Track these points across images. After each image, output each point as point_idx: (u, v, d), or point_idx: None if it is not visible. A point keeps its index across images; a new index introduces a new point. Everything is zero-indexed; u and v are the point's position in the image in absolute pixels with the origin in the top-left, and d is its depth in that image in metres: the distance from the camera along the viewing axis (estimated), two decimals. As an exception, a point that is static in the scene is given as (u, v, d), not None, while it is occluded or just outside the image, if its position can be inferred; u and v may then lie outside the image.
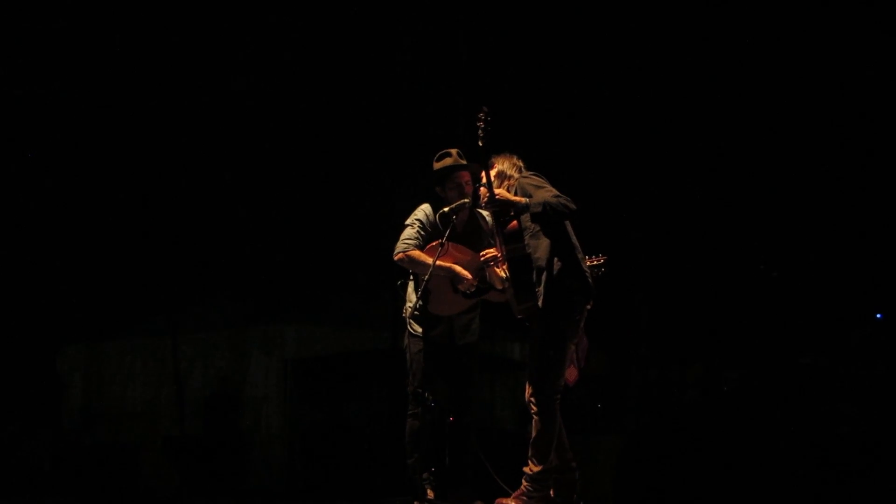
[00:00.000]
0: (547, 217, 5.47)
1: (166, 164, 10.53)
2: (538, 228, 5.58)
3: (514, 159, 5.84)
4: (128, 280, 11.23)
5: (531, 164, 5.87)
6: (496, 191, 5.59)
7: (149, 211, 10.87)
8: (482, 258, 5.87)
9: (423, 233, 6.08)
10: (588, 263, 5.87)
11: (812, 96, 9.18)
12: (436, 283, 5.83)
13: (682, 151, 9.69)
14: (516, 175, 5.76)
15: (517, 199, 5.55)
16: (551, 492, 5.59)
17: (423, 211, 6.18)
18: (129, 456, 10.02)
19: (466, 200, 5.81)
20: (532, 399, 5.59)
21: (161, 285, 10.94)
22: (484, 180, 5.62)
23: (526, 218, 5.56)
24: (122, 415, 11.21)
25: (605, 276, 5.96)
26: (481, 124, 5.57)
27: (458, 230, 5.88)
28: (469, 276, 5.89)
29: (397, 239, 6.13)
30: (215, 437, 10.32)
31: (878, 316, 8.55)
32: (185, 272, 10.82)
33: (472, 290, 5.94)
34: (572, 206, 5.46)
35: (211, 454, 10.08)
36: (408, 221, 6.17)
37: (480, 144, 5.57)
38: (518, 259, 5.52)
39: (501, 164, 5.80)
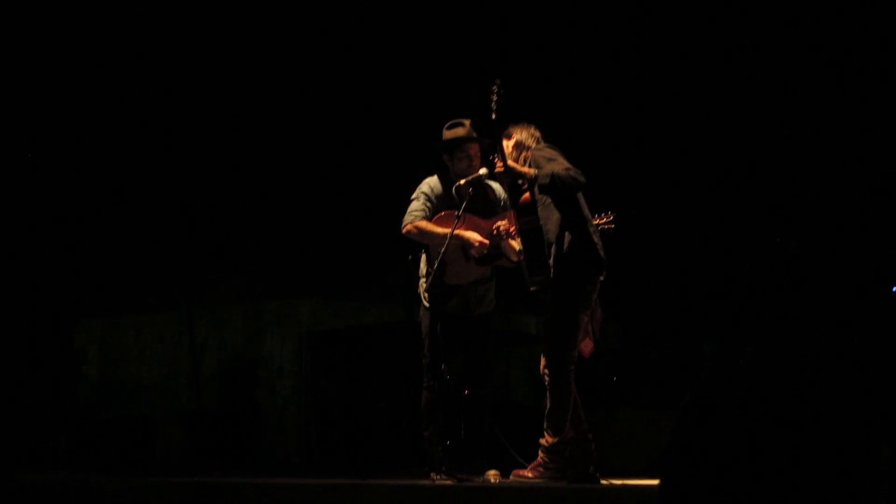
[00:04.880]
0: (556, 189, 5.47)
1: (182, 137, 10.54)
2: (549, 201, 5.59)
3: (532, 129, 5.85)
4: (144, 255, 11.27)
5: (550, 136, 5.87)
6: (508, 162, 5.60)
7: (165, 185, 10.89)
8: (495, 230, 5.88)
9: (429, 204, 6.09)
10: (596, 222, 5.88)
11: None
12: (448, 253, 5.85)
13: (699, 117, 9.65)
14: (534, 146, 5.77)
15: (527, 170, 5.56)
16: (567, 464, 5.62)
17: (429, 183, 6.19)
18: (145, 429, 10.08)
19: (483, 173, 5.81)
20: (546, 371, 5.62)
21: (177, 260, 10.96)
22: (500, 151, 5.63)
23: (538, 190, 5.57)
24: (138, 388, 11.28)
25: (620, 249, 5.97)
26: (494, 97, 5.57)
27: (471, 201, 5.89)
28: (480, 238, 5.89)
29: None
30: (231, 411, 10.37)
31: (895, 289, 8.52)
32: (201, 247, 10.84)
33: (484, 254, 5.94)
34: (582, 179, 5.46)
35: (227, 428, 10.14)
36: (413, 195, 6.19)
37: (493, 117, 5.58)
38: (531, 231, 5.54)
39: (519, 135, 5.80)
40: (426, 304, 6.13)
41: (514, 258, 5.86)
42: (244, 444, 10.08)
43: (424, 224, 6.01)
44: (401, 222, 6.12)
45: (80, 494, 5.56)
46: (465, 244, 5.95)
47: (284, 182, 10.93)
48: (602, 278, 5.68)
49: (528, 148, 5.74)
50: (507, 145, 5.76)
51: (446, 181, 6.12)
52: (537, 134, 5.82)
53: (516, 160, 5.70)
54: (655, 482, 3.24)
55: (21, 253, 10.82)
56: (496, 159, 5.67)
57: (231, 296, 11.27)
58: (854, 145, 9.05)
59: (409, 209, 6.12)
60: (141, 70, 10.25)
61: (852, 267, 9.00)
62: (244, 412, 10.38)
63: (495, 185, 6.16)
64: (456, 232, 5.83)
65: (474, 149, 6.05)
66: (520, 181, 5.61)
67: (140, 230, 11.24)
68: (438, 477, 5.83)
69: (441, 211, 6.03)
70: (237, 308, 11.05)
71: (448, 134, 6.12)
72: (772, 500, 2.89)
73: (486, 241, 5.90)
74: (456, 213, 5.80)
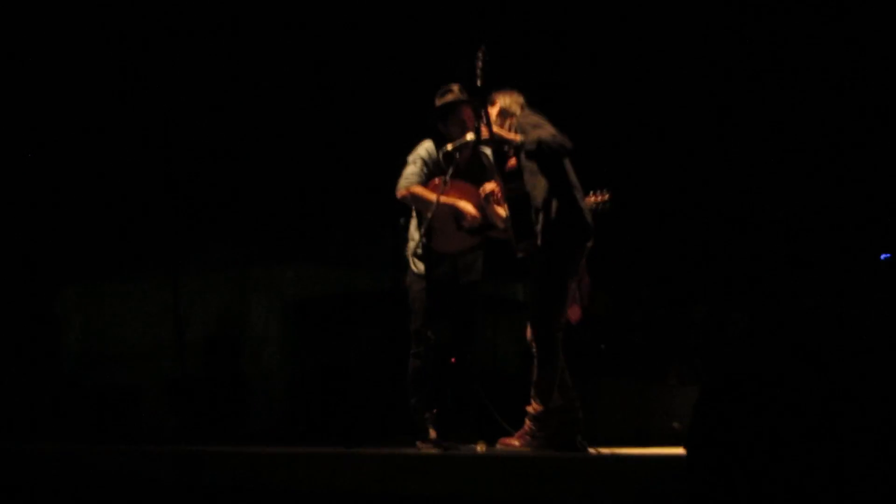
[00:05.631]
0: (542, 155, 5.45)
1: (166, 103, 10.46)
2: (536, 167, 5.56)
3: (517, 96, 5.81)
4: (128, 220, 11.21)
5: (534, 102, 5.84)
6: (494, 129, 5.57)
7: (149, 151, 10.82)
8: (482, 194, 5.87)
9: (425, 169, 6.06)
10: (592, 200, 5.87)
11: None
12: (439, 221, 5.83)
13: (689, 80, 9.59)
14: (519, 113, 5.74)
15: (512, 136, 5.53)
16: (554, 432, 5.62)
17: (425, 147, 6.16)
18: (129, 397, 10.08)
19: (470, 138, 5.78)
20: (533, 338, 5.61)
21: (161, 226, 10.92)
22: (485, 117, 5.60)
23: (524, 157, 5.54)
24: (121, 356, 11.26)
25: (607, 213, 5.96)
26: (480, 63, 5.54)
27: (461, 168, 5.86)
28: (473, 211, 5.89)
29: (399, 176, 6.13)
30: (216, 379, 10.37)
31: (884, 256, 8.52)
32: (186, 213, 10.79)
33: (476, 225, 5.94)
34: (568, 144, 5.45)
35: (211, 395, 10.14)
36: (409, 158, 6.16)
37: (479, 84, 5.54)
38: (517, 198, 5.52)
39: (503, 101, 5.77)
40: (414, 270, 6.12)
41: (500, 225, 5.85)
42: (229, 413, 10.08)
43: (420, 190, 5.99)
44: (395, 186, 6.10)
45: (62, 464, 5.55)
46: (458, 214, 5.93)
47: (270, 146, 10.86)
48: (590, 245, 5.66)
49: (513, 115, 5.71)
50: (492, 112, 5.72)
51: (442, 147, 6.09)
52: (521, 100, 5.79)
53: (501, 127, 5.67)
54: (643, 451, 3.23)
55: (1, 218, 10.76)
56: (482, 126, 5.64)
57: (216, 262, 11.23)
58: (848, 112, 9.01)
59: (405, 173, 6.09)
60: (121, 36, 10.16)
61: (842, 232, 8.99)
62: (229, 380, 10.38)
63: (489, 152, 6.14)
64: (450, 201, 5.81)
65: (466, 112, 6.01)
66: (505, 147, 5.59)
67: (123, 195, 11.18)
68: (425, 445, 5.83)
69: (436, 177, 6.01)
70: (222, 274, 11.03)
71: (439, 101, 6.09)
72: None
73: (478, 215, 5.89)
74: (444, 178, 5.78)
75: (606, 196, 5.98)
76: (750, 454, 2.94)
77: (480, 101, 5.63)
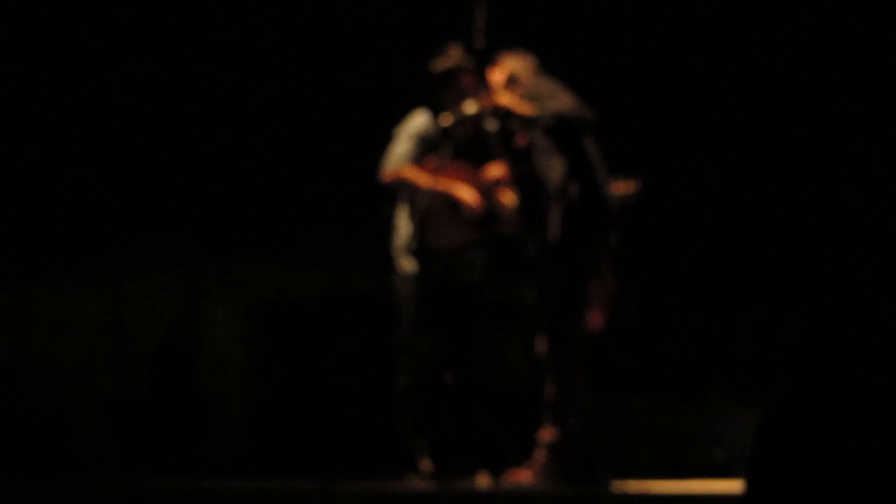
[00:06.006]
0: (561, 131, 5.48)
1: (113, 83, 10.49)
2: (550, 146, 5.59)
3: (529, 60, 5.83)
4: (58, 209, 11.23)
5: (550, 67, 5.86)
6: (500, 98, 5.59)
7: (85, 128, 10.84)
8: (485, 180, 5.89)
9: (417, 148, 6.08)
10: (616, 188, 5.90)
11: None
12: (434, 210, 5.85)
13: (737, 52, 9.61)
14: (530, 80, 5.76)
15: (524, 108, 5.56)
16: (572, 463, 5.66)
17: (418, 121, 6.17)
18: (61, 421, 10.13)
19: (472, 110, 5.80)
20: (547, 352, 5.64)
21: (98, 215, 10.94)
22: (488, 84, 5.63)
23: (538, 133, 5.56)
24: (53, 372, 11.30)
25: (636, 203, 5.98)
26: (481, 21, 5.56)
27: (460, 146, 5.89)
28: (474, 199, 5.91)
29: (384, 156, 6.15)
30: (165, 399, 10.40)
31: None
32: (129, 200, 10.81)
33: (478, 216, 5.96)
34: (591, 117, 5.47)
35: (160, 419, 10.18)
36: (397, 134, 6.17)
37: (478, 46, 5.57)
38: (527, 183, 5.55)
39: (512, 65, 5.79)
40: (404, 270, 6.14)
41: (507, 216, 5.87)
42: (182, 440, 10.11)
43: (410, 172, 6.01)
44: (378, 168, 6.12)
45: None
46: (456, 202, 5.96)
47: (229, 119, 10.86)
48: (615, 238, 5.69)
49: (523, 82, 5.73)
50: (498, 78, 5.74)
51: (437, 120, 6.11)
52: (534, 65, 5.81)
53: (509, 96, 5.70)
54: (678, 485, 3.26)
55: None
56: (486, 95, 5.67)
57: (165, 258, 11.26)
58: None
59: (392, 152, 6.11)
60: (70, 20, 10.20)
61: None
62: (181, 400, 10.41)
63: (494, 127, 6.16)
64: (447, 186, 5.83)
65: (467, 80, 6.03)
66: (515, 122, 5.61)
67: (54, 179, 11.19)
68: (416, 479, 5.86)
69: (430, 157, 6.03)
70: (172, 273, 11.06)
71: (435, 66, 6.11)
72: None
73: (481, 203, 5.91)
74: (440, 158, 5.81)
75: (633, 185, 5.99)
76: (832, 488, 2.96)
77: (483, 65, 5.66)
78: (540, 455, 5.71)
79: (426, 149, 6.07)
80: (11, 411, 10.75)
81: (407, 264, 6.12)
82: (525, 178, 5.56)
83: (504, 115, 5.60)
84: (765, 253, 9.80)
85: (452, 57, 6.07)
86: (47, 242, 11.51)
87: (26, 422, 10.24)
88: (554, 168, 5.60)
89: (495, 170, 5.91)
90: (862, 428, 2.97)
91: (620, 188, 6.04)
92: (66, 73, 10.53)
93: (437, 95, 6.11)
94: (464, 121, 5.85)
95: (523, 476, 5.74)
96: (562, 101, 5.51)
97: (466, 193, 5.94)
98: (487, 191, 5.94)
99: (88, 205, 10.83)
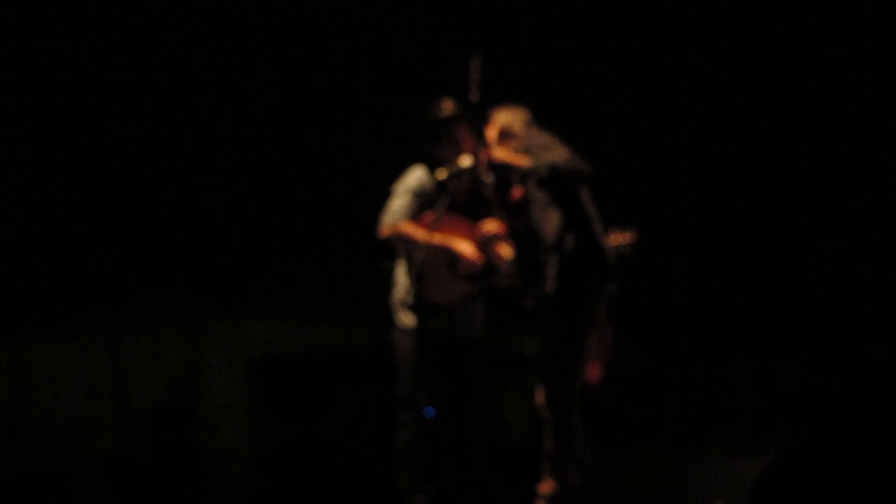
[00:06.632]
0: (556, 183, 5.49)
1: (110, 133, 10.50)
2: (545, 198, 5.60)
3: (521, 113, 5.86)
4: (57, 265, 11.22)
5: (543, 120, 5.88)
6: (495, 151, 5.62)
7: (85, 186, 10.85)
8: (482, 234, 5.90)
9: (415, 203, 6.10)
10: (612, 240, 5.91)
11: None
12: (432, 265, 5.87)
13: (730, 102, 9.65)
14: (524, 132, 5.78)
15: (519, 161, 5.57)
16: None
17: (415, 176, 6.19)
18: (61, 481, 10.08)
19: (467, 163, 5.82)
20: (546, 403, 5.64)
21: (100, 274, 10.93)
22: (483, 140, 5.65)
23: (533, 185, 5.58)
24: (53, 431, 11.26)
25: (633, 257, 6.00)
26: (475, 75, 5.59)
27: (456, 200, 5.91)
28: (472, 253, 5.92)
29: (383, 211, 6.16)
30: (166, 456, 10.37)
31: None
32: (129, 258, 10.81)
33: (476, 270, 5.97)
34: (586, 169, 5.48)
35: (161, 478, 10.14)
36: (395, 189, 6.19)
37: (472, 100, 5.60)
38: (523, 235, 5.56)
39: (504, 119, 5.81)
40: (403, 324, 6.14)
41: (505, 269, 5.88)
42: (183, 499, 10.08)
43: (408, 227, 6.02)
44: (378, 223, 6.13)
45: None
46: (454, 256, 5.97)
47: (231, 178, 10.89)
48: (612, 290, 5.70)
49: (516, 134, 5.75)
50: (491, 133, 5.76)
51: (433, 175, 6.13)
52: (527, 117, 5.83)
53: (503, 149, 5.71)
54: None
55: None
56: (481, 149, 5.69)
57: (165, 315, 11.26)
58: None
59: (391, 207, 6.13)
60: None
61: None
62: (182, 458, 10.38)
63: (490, 180, 6.18)
64: (444, 240, 5.84)
65: (462, 132, 6.05)
66: (510, 174, 5.63)
67: (53, 235, 11.19)
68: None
69: (427, 212, 6.04)
70: (173, 330, 11.05)
71: (429, 119, 6.13)
72: None
73: (478, 257, 5.92)
74: (437, 212, 5.82)
75: (628, 238, 6.00)
76: None
77: (477, 118, 5.68)
78: (540, 508, 5.70)
79: (423, 203, 6.09)
80: (10, 471, 10.71)
81: (406, 318, 6.13)
82: (521, 230, 5.57)
83: (499, 168, 5.61)
84: (763, 302, 9.79)
85: (446, 108, 6.09)
86: (46, 300, 11.50)
87: (26, 482, 10.19)
88: (550, 220, 5.61)
89: (492, 223, 5.92)
90: (859, 485, 2.98)
91: (616, 239, 6.05)
92: (65, 126, 10.55)
93: (433, 148, 6.13)
94: (459, 174, 5.86)
95: (524, 529, 5.74)
96: (556, 153, 5.52)
97: (464, 247, 5.95)
98: (485, 244, 5.95)
99: (88, 261, 10.83)
